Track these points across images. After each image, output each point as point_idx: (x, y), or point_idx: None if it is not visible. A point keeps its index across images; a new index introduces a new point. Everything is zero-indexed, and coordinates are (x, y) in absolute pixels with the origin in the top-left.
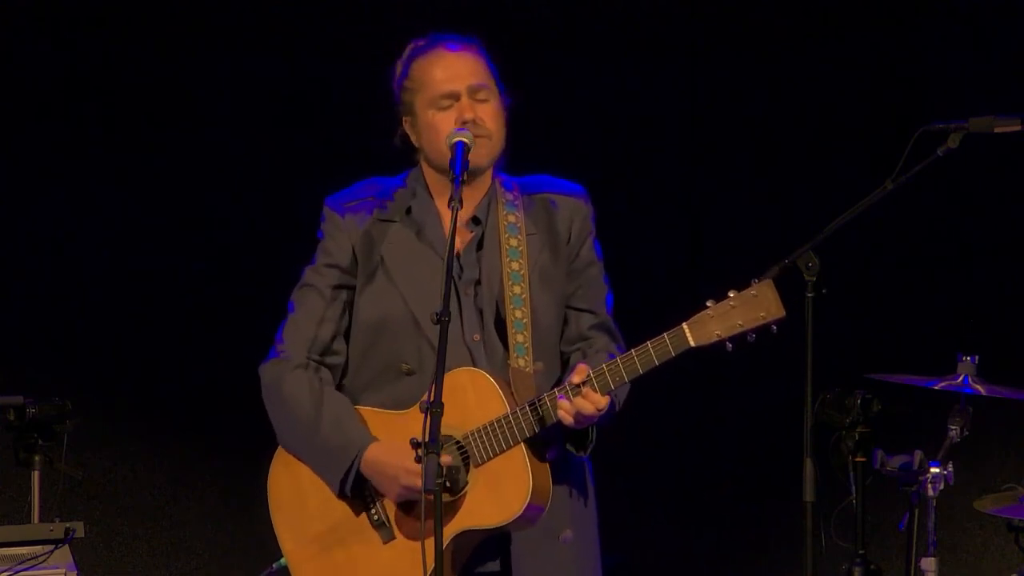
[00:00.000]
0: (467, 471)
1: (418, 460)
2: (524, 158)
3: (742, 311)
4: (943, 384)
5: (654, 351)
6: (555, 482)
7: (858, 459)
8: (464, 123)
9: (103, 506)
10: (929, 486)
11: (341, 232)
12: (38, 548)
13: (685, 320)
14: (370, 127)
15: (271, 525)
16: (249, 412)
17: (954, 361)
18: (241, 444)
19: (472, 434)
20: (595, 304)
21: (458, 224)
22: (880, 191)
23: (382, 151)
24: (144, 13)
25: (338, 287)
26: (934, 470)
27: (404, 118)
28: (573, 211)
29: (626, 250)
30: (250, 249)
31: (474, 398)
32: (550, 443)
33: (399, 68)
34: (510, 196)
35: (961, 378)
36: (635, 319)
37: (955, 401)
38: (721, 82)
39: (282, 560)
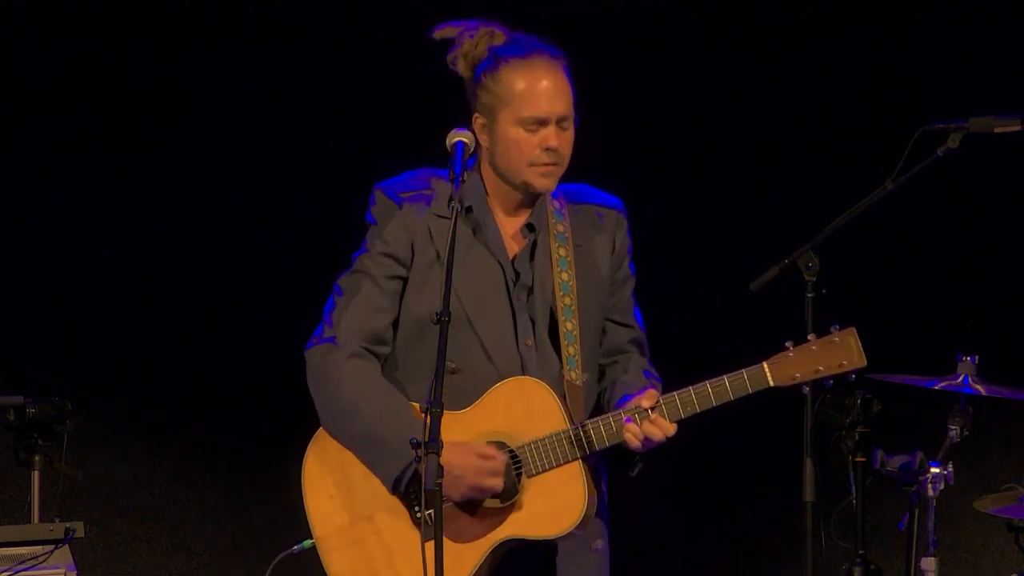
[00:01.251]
0: (519, 480)
1: (418, 459)
2: None
3: (823, 356)
4: (943, 384)
5: (731, 386)
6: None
7: (858, 459)
8: (547, 149)
9: (103, 506)
10: (929, 486)
11: (398, 222)
12: (38, 548)
13: (766, 359)
14: (369, 127)
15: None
16: (249, 412)
17: (954, 361)
18: (241, 444)
19: (529, 445)
20: (632, 318)
21: (514, 230)
22: (880, 191)
23: (381, 149)
24: (144, 13)
25: (392, 277)
26: (934, 470)
27: (477, 116)
28: (617, 225)
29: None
30: (250, 249)
31: (532, 408)
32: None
33: (472, 51)
34: (556, 204)
35: (961, 378)
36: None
37: (955, 401)
38: (721, 82)
39: (306, 542)
